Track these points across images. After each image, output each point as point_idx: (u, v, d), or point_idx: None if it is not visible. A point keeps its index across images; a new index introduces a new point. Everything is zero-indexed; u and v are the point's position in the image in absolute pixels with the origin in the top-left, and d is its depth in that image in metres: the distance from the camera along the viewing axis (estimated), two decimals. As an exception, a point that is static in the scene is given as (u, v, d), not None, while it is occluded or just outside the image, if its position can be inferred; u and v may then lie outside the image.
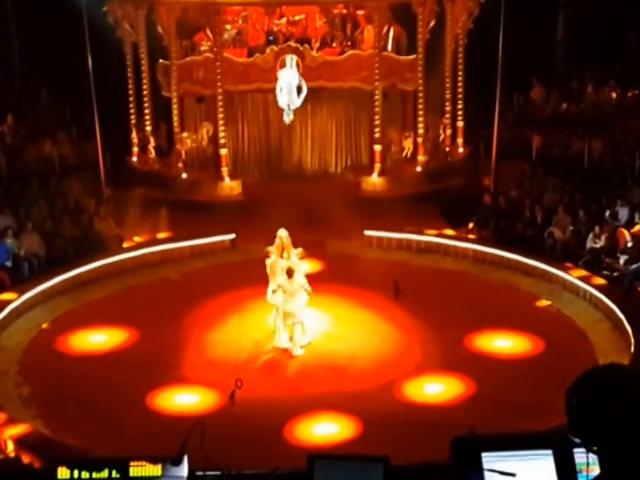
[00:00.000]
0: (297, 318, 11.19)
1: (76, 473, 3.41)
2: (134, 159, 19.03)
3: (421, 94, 18.15)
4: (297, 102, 14.90)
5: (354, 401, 9.94)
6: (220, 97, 17.64)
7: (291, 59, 13.02)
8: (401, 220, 15.40)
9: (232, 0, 18.47)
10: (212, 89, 17.70)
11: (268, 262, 11.53)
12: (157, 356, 11.11)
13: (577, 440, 2.16)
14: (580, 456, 2.21)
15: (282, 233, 11.75)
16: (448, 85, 18.91)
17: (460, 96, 19.16)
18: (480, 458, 3.16)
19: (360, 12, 18.56)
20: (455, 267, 14.48)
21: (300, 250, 11.53)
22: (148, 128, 18.73)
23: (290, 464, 3.61)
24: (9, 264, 13.79)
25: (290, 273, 11.04)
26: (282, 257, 11.56)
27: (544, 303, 13.05)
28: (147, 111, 18.71)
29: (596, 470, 2.17)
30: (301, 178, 18.57)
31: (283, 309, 11.15)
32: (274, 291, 11.32)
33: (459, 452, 3.22)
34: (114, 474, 3.42)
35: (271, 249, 11.63)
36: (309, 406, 9.89)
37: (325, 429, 9.53)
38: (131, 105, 18.86)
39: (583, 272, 13.24)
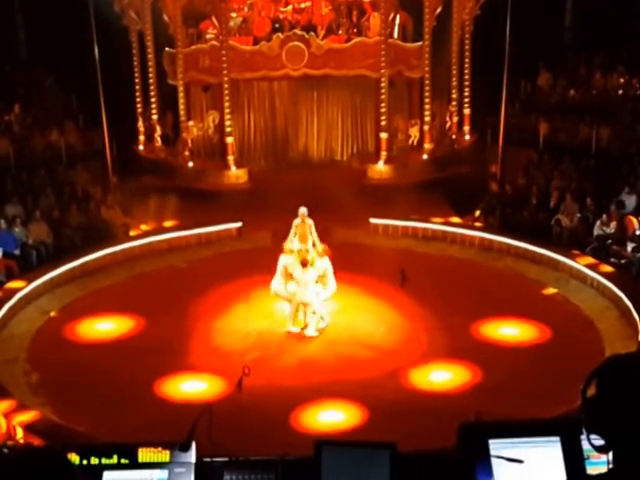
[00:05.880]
0: (314, 307, 11.24)
1: (85, 459, 3.43)
2: (140, 148, 19.05)
3: (427, 81, 18.09)
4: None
5: (360, 389, 9.96)
6: (226, 85, 17.62)
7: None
8: (407, 208, 15.37)
9: (238, -13, 18.41)
10: (218, 77, 17.67)
11: (283, 262, 11.42)
12: (164, 344, 11.15)
13: (594, 439, 2.09)
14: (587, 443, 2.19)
15: (303, 210, 11.82)
16: (455, 72, 18.83)
17: (467, 83, 19.08)
18: (487, 445, 3.17)
19: (366, -1, 18.48)
20: (461, 255, 14.46)
21: (324, 247, 11.50)
22: (154, 117, 18.74)
23: (297, 451, 3.62)
24: (17, 252, 13.86)
25: (305, 264, 11.06)
26: (304, 242, 11.59)
27: (551, 291, 13.03)
28: (153, 99, 18.71)
29: (602, 457, 2.16)
30: (307, 166, 18.56)
31: (298, 299, 11.20)
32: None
33: (466, 439, 3.23)
34: (123, 460, 3.44)
35: (288, 246, 11.62)
36: (316, 394, 9.91)
37: (331, 416, 9.56)
38: (137, 94, 18.86)
39: (590, 260, 13.21)
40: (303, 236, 12.13)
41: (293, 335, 11.41)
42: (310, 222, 12.28)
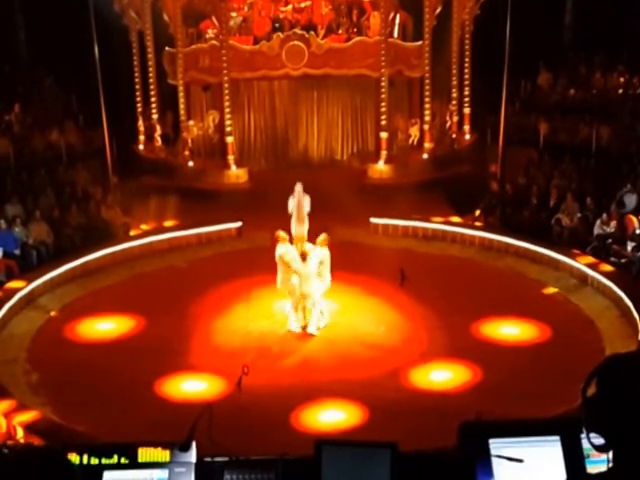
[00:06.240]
0: (314, 299, 11.26)
1: (85, 459, 3.43)
2: (141, 147, 19.05)
3: (427, 81, 18.09)
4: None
5: (360, 388, 9.96)
6: (226, 85, 17.62)
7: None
8: (407, 207, 15.38)
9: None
10: (218, 77, 17.67)
11: (278, 252, 11.41)
12: (164, 344, 11.15)
13: (593, 435, 2.10)
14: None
15: (299, 188, 11.81)
16: (455, 71, 18.82)
17: (467, 82, 19.08)
18: (487, 444, 3.17)
19: (366, -2, 18.48)
20: (462, 254, 14.46)
21: (324, 236, 11.46)
22: (154, 116, 18.74)
23: (297, 450, 3.62)
24: (17, 252, 13.86)
25: (304, 257, 11.08)
26: (292, 243, 11.56)
27: (551, 290, 13.03)
28: (153, 99, 18.71)
29: (602, 456, 2.16)
30: (307, 166, 18.54)
31: (300, 291, 11.21)
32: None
33: (466, 438, 3.23)
34: (123, 460, 3.44)
35: (282, 234, 11.57)
36: (316, 393, 9.92)
37: (332, 416, 9.56)
38: (137, 93, 18.86)
39: (590, 259, 13.20)
40: (300, 218, 11.99)
41: (293, 334, 11.41)
42: (307, 199, 12.14)
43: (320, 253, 11.29)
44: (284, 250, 11.36)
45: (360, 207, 14.65)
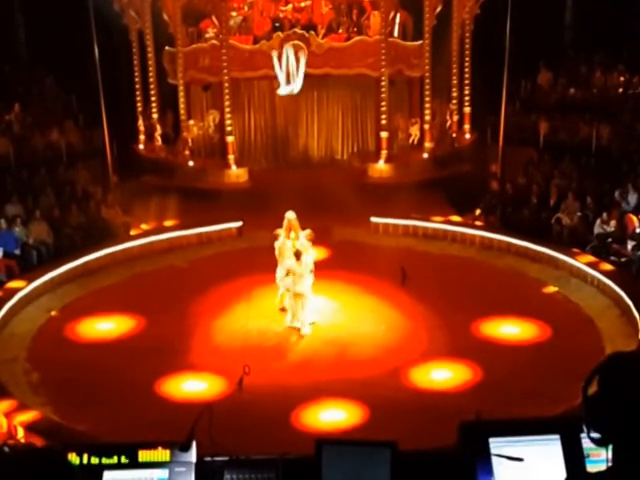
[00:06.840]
0: (307, 298, 11.29)
1: (85, 459, 3.43)
2: (141, 147, 19.05)
3: (428, 80, 18.08)
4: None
5: (361, 387, 9.97)
6: (226, 84, 17.61)
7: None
8: (408, 207, 15.37)
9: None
10: (218, 76, 17.67)
11: (276, 245, 11.61)
12: (165, 343, 11.15)
13: (593, 433, 2.10)
14: (587, 441, 2.19)
15: (290, 215, 11.81)
16: (455, 71, 18.82)
17: (467, 82, 19.07)
18: (487, 443, 3.17)
19: (366, -2, 18.47)
20: (462, 254, 14.46)
21: (309, 231, 11.54)
22: (155, 116, 18.74)
23: (298, 450, 3.62)
24: (18, 252, 13.86)
25: (298, 255, 11.13)
26: (289, 238, 11.60)
27: (551, 289, 13.03)
28: (153, 99, 18.71)
29: (602, 455, 2.16)
30: (307, 165, 18.56)
31: (293, 290, 11.25)
32: (286, 274, 11.42)
33: (467, 437, 3.24)
34: (123, 459, 3.44)
35: (279, 231, 11.67)
36: (316, 392, 9.92)
37: (332, 415, 9.56)
38: (137, 93, 18.86)
39: (590, 258, 13.20)
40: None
41: (293, 333, 11.40)
42: (296, 222, 12.20)
43: (304, 243, 11.35)
44: (281, 242, 11.46)
45: (360, 206, 14.65)
